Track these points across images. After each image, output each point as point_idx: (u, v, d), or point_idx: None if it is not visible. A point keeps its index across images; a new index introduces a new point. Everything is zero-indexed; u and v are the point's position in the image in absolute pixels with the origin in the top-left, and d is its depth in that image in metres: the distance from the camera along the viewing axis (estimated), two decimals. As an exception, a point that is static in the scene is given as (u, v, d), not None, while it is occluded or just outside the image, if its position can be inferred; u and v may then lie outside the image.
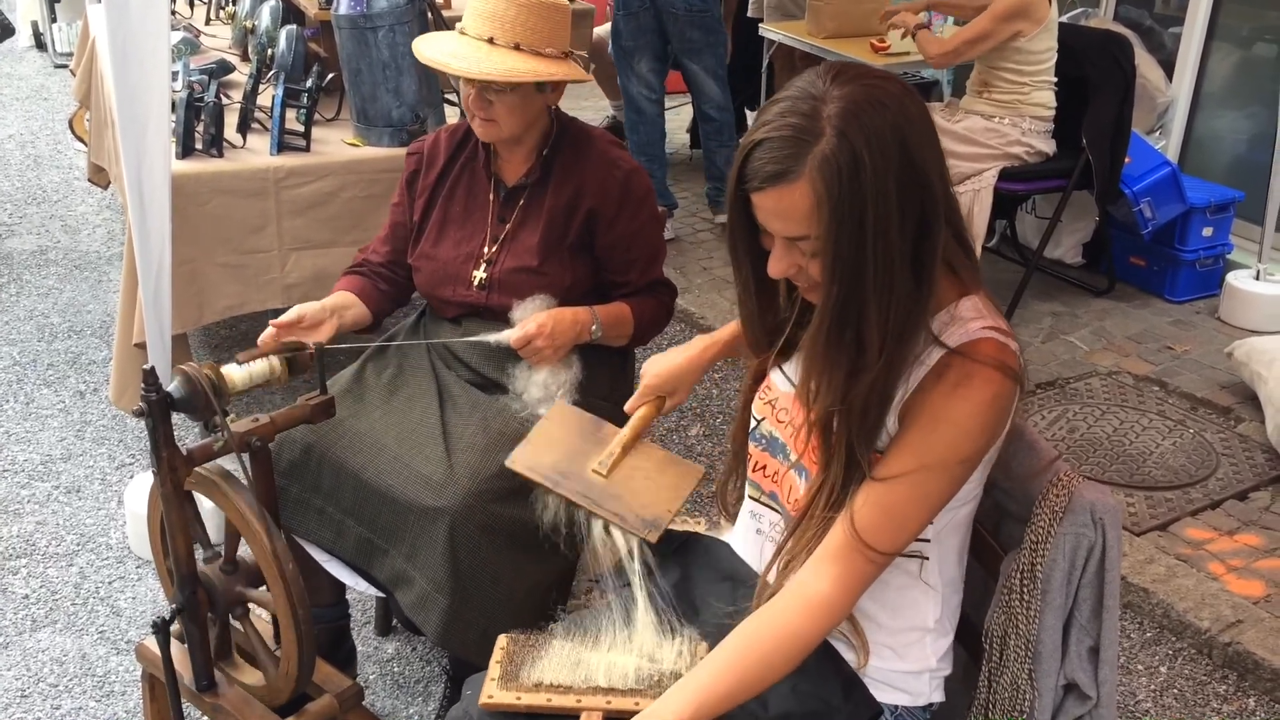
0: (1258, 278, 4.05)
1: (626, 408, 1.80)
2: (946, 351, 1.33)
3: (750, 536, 1.61)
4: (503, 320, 2.14)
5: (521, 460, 1.74)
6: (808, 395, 1.35)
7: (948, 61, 4.07)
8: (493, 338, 2.09)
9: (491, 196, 2.19)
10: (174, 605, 1.74)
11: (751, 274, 1.43)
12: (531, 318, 2.08)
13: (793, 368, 1.51)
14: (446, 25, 3.34)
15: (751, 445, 1.57)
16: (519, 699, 1.45)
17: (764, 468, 1.55)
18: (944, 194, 1.31)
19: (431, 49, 2.07)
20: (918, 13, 4.13)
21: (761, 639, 1.35)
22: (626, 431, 1.76)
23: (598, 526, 1.67)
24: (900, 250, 1.26)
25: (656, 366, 1.80)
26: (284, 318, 2.04)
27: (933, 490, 1.34)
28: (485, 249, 2.17)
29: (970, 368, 1.31)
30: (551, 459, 1.73)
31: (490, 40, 2.02)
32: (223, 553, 1.81)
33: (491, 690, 1.46)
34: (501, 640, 1.55)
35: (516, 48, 2.01)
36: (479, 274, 2.16)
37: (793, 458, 1.48)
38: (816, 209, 1.25)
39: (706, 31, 4.49)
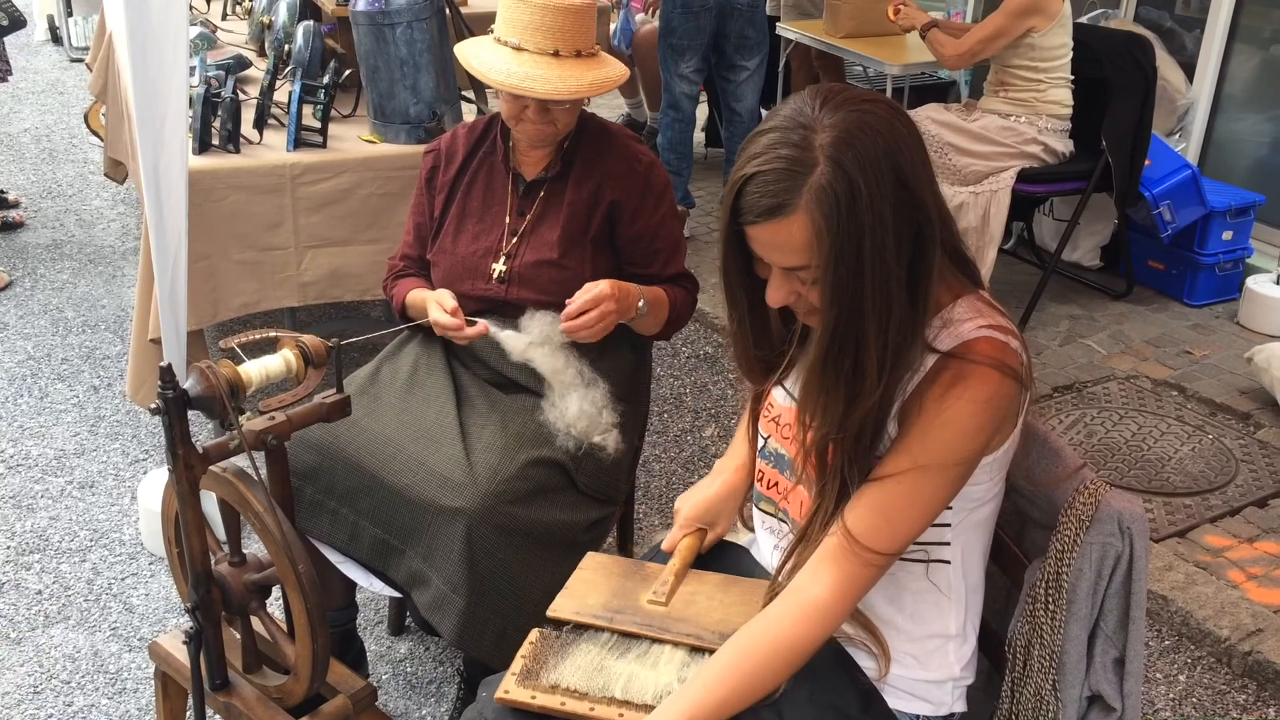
0: (1278, 282, 4.01)
1: (665, 545, 1.65)
2: (940, 356, 1.32)
3: (769, 550, 1.60)
4: (522, 314, 2.12)
5: (565, 607, 1.57)
6: (804, 421, 1.35)
7: (964, 63, 4.04)
8: (526, 336, 2.08)
9: (510, 190, 2.18)
10: (189, 605, 1.73)
11: (747, 304, 1.42)
12: (595, 285, 2.01)
13: (794, 383, 1.50)
14: (465, 23, 3.33)
15: (761, 463, 1.56)
16: (533, 698, 1.44)
17: (775, 485, 1.54)
18: (937, 209, 1.30)
19: (496, 70, 2.00)
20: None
21: (757, 647, 1.34)
22: (676, 560, 1.61)
23: (669, 656, 1.50)
24: (897, 275, 1.25)
25: (692, 499, 1.66)
26: (448, 310, 2.06)
27: (928, 491, 1.32)
28: (504, 242, 2.16)
29: (965, 368, 1.30)
30: (598, 599, 1.58)
31: (555, 54, 2.01)
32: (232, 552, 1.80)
33: (509, 685, 1.46)
34: (533, 635, 1.54)
35: (578, 55, 2.03)
36: (498, 267, 2.15)
37: (800, 473, 1.46)
38: (815, 240, 1.24)
39: (758, 29, 4.51)
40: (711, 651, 1.43)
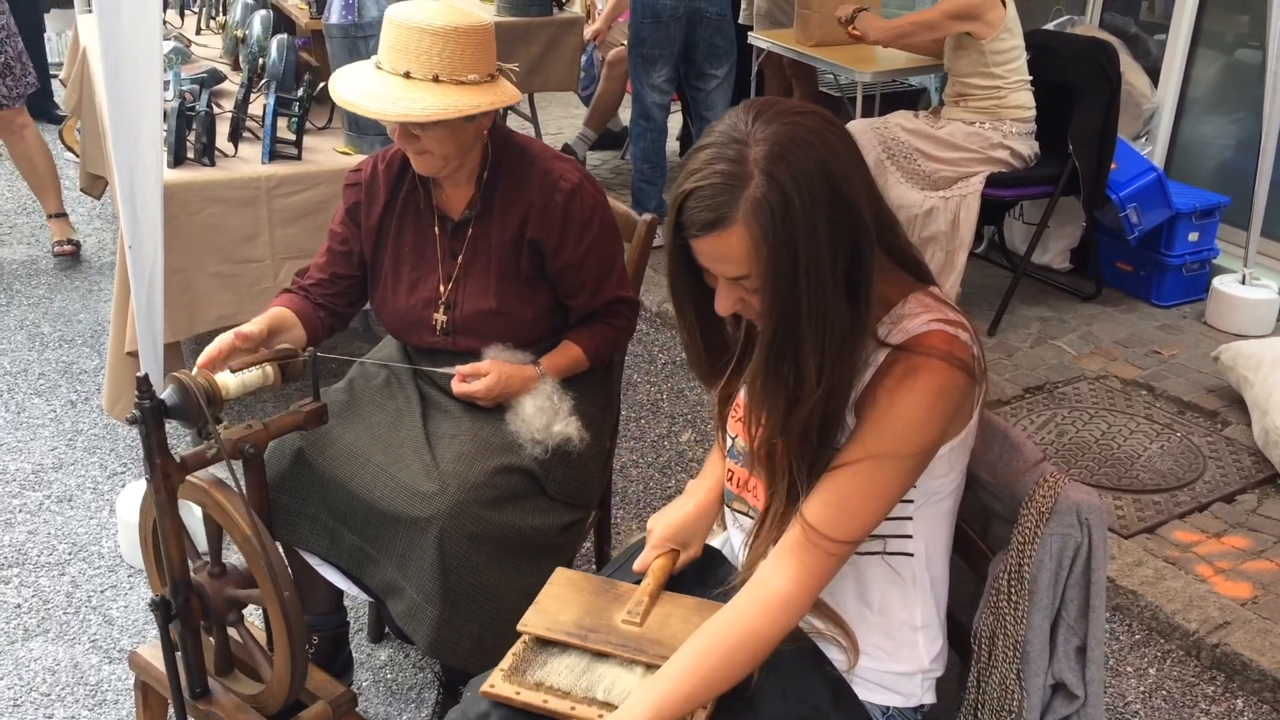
0: (1243, 282, 4.08)
1: (637, 565, 1.64)
2: (892, 350, 1.35)
3: (741, 547, 1.62)
4: (474, 359, 2.11)
5: (535, 623, 1.56)
6: (751, 426, 1.39)
7: (888, 40, 4.13)
8: (443, 370, 2.10)
9: (437, 232, 2.13)
10: (156, 597, 1.74)
11: (695, 316, 1.47)
12: (486, 377, 2.05)
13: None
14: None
15: (730, 462, 1.59)
16: (517, 694, 1.46)
17: (745, 483, 1.57)
18: (874, 216, 1.33)
19: (346, 88, 1.97)
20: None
21: (722, 640, 1.37)
22: (650, 581, 1.61)
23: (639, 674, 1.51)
24: (831, 285, 1.29)
25: (665, 519, 1.66)
26: (210, 351, 1.89)
27: (883, 481, 1.36)
28: (441, 289, 2.13)
29: (916, 361, 1.34)
30: (570, 616, 1.57)
31: (406, 75, 1.92)
32: (212, 560, 1.82)
33: (495, 680, 1.48)
34: (525, 638, 1.55)
35: (435, 79, 1.92)
36: (439, 317, 2.13)
37: None
38: (754, 251, 1.28)
39: (727, 38, 4.57)
40: None
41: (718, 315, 1.43)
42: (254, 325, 2.00)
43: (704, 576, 1.65)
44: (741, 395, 1.55)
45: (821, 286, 1.28)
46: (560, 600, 1.60)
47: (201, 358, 1.89)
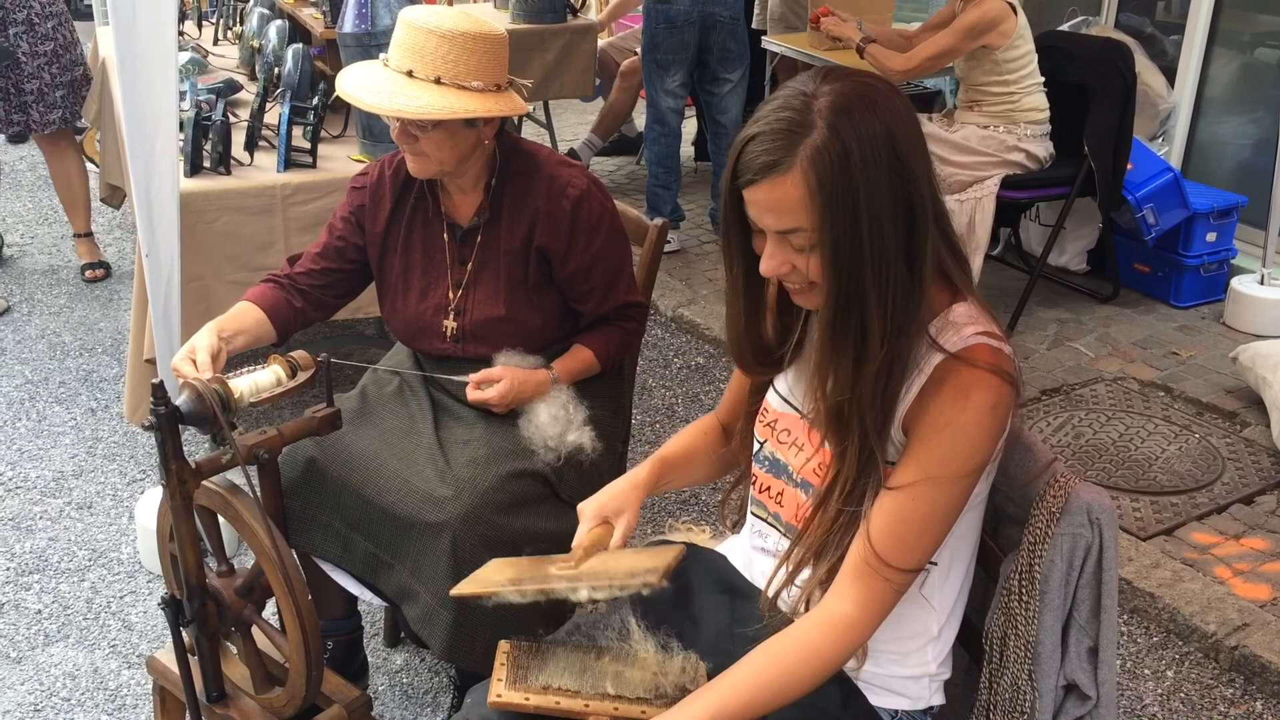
0: (1262, 282, 4.05)
1: (574, 543, 1.59)
2: (943, 359, 1.34)
3: (752, 553, 1.62)
4: (484, 365, 2.12)
5: (469, 585, 1.59)
6: (820, 388, 1.36)
7: (910, 78, 4.08)
8: (458, 378, 2.11)
9: (446, 238, 2.14)
10: (166, 595, 1.76)
11: (743, 273, 1.44)
12: (499, 383, 2.06)
13: (785, 386, 1.53)
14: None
15: (755, 467, 1.58)
16: (528, 699, 1.47)
17: (768, 489, 1.56)
18: (931, 195, 1.33)
19: (350, 82, 1.99)
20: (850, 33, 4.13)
21: (784, 654, 1.36)
22: (585, 539, 1.58)
23: (582, 594, 1.52)
24: (894, 242, 1.28)
25: (592, 500, 1.62)
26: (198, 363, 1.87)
27: (941, 504, 1.34)
28: (451, 296, 2.14)
29: (969, 375, 1.32)
30: (505, 577, 1.58)
31: (409, 74, 1.94)
32: (217, 561, 1.84)
33: (500, 690, 1.48)
34: (504, 645, 1.55)
35: (437, 81, 1.93)
36: (450, 324, 2.14)
37: (796, 478, 1.49)
38: (809, 199, 1.27)
39: (740, 42, 4.59)
40: (622, 588, 1.48)
41: (763, 283, 1.41)
42: (207, 340, 1.94)
43: (707, 578, 1.64)
44: (770, 401, 1.55)
45: (883, 242, 1.27)
46: (497, 570, 1.64)
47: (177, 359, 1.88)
